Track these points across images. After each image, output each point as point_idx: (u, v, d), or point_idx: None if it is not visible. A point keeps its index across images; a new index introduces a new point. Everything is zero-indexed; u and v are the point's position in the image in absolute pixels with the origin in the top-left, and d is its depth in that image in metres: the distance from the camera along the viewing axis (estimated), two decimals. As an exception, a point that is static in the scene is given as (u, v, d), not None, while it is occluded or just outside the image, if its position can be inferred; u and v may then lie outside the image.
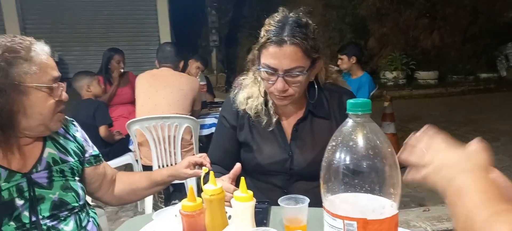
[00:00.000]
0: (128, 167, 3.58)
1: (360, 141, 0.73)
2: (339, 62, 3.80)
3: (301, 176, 1.42)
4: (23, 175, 1.15)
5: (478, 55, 10.86)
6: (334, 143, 0.75)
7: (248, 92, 1.45)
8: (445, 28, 10.89)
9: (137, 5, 8.76)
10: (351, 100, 0.75)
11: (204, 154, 1.43)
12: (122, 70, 4.14)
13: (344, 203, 0.71)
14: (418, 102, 8.67)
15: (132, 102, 3.68)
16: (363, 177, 0.70)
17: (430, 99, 8.99)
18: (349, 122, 0.75)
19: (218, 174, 1.42)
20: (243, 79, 1.51)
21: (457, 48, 10.92)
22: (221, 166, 1.49)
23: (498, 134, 5.44)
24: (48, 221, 1.18)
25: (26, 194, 1.14)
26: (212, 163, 1.52)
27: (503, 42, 10.75)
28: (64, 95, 1.19)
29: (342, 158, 0.72)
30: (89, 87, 3.42)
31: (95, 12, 8.55)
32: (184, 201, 0.99)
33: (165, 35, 8.48)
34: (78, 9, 8.45)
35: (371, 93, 3.69)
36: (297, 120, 1.43)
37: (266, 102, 1.43)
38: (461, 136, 5.53)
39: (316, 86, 1.41)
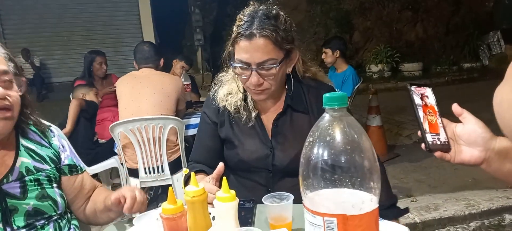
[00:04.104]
0: (114, 171, 3.54)
1: (338, 135, 0.71)
2: (323, 56, 3.83)
3: (283, 172, 1.41)
4: None
5: (461, 46, 11.01)
6: (311, 139, 0.73)
7: (228, 89, 1.45)
8: (428, 20, 11.02)
9: (118, 7, 8.68)
10: (327, 95, 0.73)
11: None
12: (105, 72, 4.11)
13: (323, 200, 0.70)
14: (403, 94, 8.67)
15: (116, 105, 3.64)
16: (341, 172, 0.69)
17: (415, 91, 9.07)
18: (326, 117, 0.74)
19: (199, 165, 1.45)
20: (223, 75, 1.50)
21: (440, 39, 11.07)
22: (205, 165, 1.48)
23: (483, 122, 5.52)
24: (24, 230, 1.13)
25: None
26: (196, 162, 1.51)
27: (485, 32, 10.93)
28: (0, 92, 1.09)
29: (320, 153, 0.71)
30: (85, 96, 3.39)
31: (76, 15, 8.44)
32: (165, 204, 0.97)
33: (149, 36, 8.42)
34: (58, 12, 8.32)
35: (356, 87, 3.71)
36: (277, 114, 1.42)
37: (245, 98, 1.42)
38: (446, 125, 5.60)
39: (292, 79, 1.40)
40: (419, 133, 0.89)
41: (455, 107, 0.90)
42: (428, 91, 0.94)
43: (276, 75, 1.30)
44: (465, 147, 0.89)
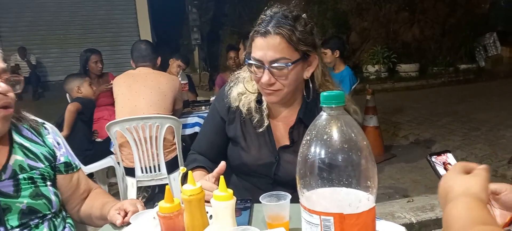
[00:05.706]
0: (110, 170, 3.53)
1: (335, 134, 0.71)
2: (322, 56, 3.81)
3: (284, 184, 1.36)
4: None
5: (457, 47, 11.04)
6: (308, 137, 0.73)
7: (243, 88, 1.41)
8: (424, 21, 11.04)
9: (115, 5, 8.65)
10: (324, 93, 0.73)
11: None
12: (101, 70, 4.12)
13: (320, 199, 0.70)
14: (400, 94, 8.77)
15: (113, 103, 3.63)
16: (339, 170, 0.69)
17: (412, 92, 9.11)
18: (324, 115, 0.74)
19: (201, 157, 1.43)
20: (239, 73, 1.46)
21: (437, 40, 11.09)
22: (206, 157, 1.47)
23: (478, 124, 5.54)
24: (17, 230, 1.12)
25: None
26: (197, 153, 1.49)
27: (481, 33, 10.97)
28: (2, 88, 1.08)
29: (317, 152, 0.71)
30: (80, 89, 3.38)
31: (73, 13, 8.42)
32: (162, 203, 0.97)
33: (146, 35, 8.40)
34: (55, 10, 8.28)
35: (353, 87, 3.71)
36: (289, 128, 1.38)
37: (260, 101, 1.38)
38: (442, 126, 5.62)
39: (311, 86, 1.35)
40: None
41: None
42: (450, 157, 0.94)
43: (288, 76, 1.27)
44: (500, 210, 0.86)
